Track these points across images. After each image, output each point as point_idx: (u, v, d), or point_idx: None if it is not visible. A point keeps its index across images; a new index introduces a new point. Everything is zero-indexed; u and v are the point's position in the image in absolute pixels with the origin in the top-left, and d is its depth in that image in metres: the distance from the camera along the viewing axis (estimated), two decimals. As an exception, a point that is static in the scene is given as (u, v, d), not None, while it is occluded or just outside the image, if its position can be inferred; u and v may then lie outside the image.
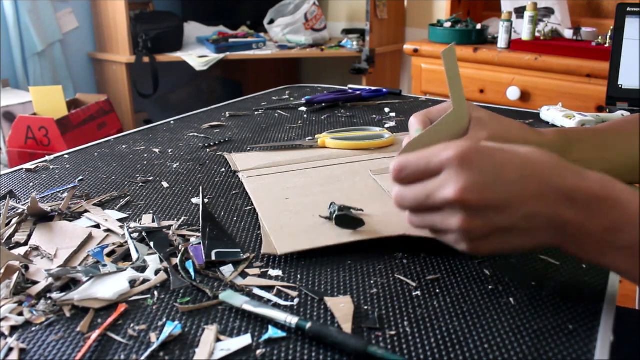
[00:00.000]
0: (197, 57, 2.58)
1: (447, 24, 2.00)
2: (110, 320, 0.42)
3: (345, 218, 0.54)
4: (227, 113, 1.00)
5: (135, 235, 0.54)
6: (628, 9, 1.29)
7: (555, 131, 0.62)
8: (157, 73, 2.66)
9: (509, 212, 0.42)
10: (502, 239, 0.43)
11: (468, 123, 0.57)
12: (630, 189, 0.43)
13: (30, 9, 2.50)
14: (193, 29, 2.89)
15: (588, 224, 0.42)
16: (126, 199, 0.64)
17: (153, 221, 0.58)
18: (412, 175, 0.45)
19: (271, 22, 2.85)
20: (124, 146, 0.83)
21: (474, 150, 0.42)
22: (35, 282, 0.46)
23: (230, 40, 2.70)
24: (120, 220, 0.58)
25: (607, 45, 1.68)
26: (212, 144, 0.83)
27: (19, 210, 0.59)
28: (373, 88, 1.13)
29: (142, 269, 0.49)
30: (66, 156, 0.79)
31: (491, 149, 0.43)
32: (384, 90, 1.13)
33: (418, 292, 0.46)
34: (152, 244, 0.53)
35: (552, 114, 0.94)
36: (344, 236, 0.53)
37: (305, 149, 0.80)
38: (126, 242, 0.53)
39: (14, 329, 0.41)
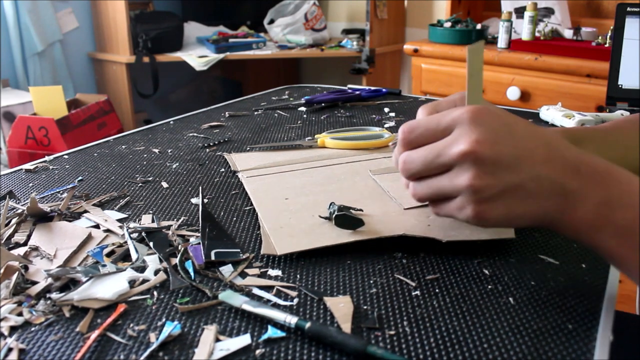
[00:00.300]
0: (197, 57, 2.58)
1: (447, 24, 2.00)
2: (109, 320, 0.42)
3: (345, 218, 0.54)
4: (226, 113, 1.00)
5: (134, 235, 0.54)
6: (628, 9, 1.29)
7: (561, 130, 0.63)
8: (157, 73, 2.66)
9: (519, 171, 0.42)
10: (508, 202, 0.43)
11: None
12: (629, 172, 0.44)
13: (30, 9, 2.51)
14: (193, 29, 2.89)
15: (588, 195, 0.43)
16: (126, 199, 0.64)
17: (152, 221, 0.58)
18: (421, 137, 0.45)
19: (271, 22, 2.85)
20: (123, 146, 0.83)
21: (484, 109, 0.43)
22: (34, 283, 0.46)
23: (230, 40, 2.70)
24: (119, 220, 0.58)
25: (607, 45, 1.68)
26: (211, 144, 0.83)
27: (19, 211, 0.59)
28: (372, 88, 1.13)
29: (141, 269, 0.49)
30: (65, 156, 0.79)
31: (501, 111, 0.45)
32: (384, 90, 1.13)
33: (417, 292, 0.46)
34: (151, 244, 0.53)
35: (552, 114, 0.94)
36: (344, 236, 0.53)
37: (305, 149, 0.80)
38: (125, 242, 0.53)
39: (13, 329, 0.41)
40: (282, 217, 0.57)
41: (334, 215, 0.55)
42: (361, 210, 0.58)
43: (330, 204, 0.58)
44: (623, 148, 0.64)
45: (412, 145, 0.46)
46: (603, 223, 0.43)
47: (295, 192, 0.64)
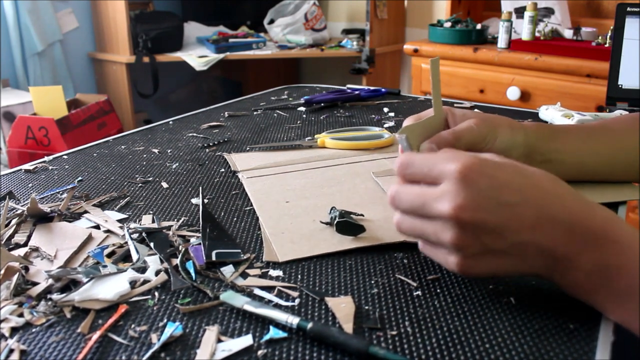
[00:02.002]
0: (197, 57, 2.58)
1: (447, 24, 2.00)
2: (111, 321, 0.42)
3: (346, 224, 0.54)
4: (225, 113, 1.00)
5: (135, 235, 0.54)
6: (628, 9, 1.29)
7: (538, 125, 0.62)
8: (157, 73, 2.66)
9: (503, 237, 0.41)
10: (493, 261, 0.42)
11: (442, 128, 0.60)
12: (634, 231, 0.41)
13: (30, 9, 2.50)
14: (193, 29, 2.89)
15: (579, 260, 0.41)
16: (126, 200, 0.63)
17: (153, 222, 0.58)
18: (414, 176, 0.45)
19: (271, 22, 2.85)
20: (122, 146, 0.83)
21: (476, 168, 0.41)
22: (35, 283, 0.46)
23: (230, 40, 2.70)
24: (120, 220, 0.58)
25: (607, 45, 1.68)
26: (211, 144, 0.83)
27: (19, 211, 0.59)
28: (372, 88, 1.13)
29: (142, 269, 0.49)
30: (65, 157, 0.79)
31: (495, 167, 0.42)
32: (383, 90, 1.13)
33: (419, 292, 0.46)
34: (152, 244, 0.52)
35: (551, 114, 0.94)
36: (345, 243, 0.53)
37: (305, 149, 0.80)
38: (126, 242, 0.53)
39: (14, 330, 0.41)
40: (283, 222, 0.57)
41: (335, 222, 0.55)
42: (362, 215, 0.58)
43: (331, 209, 0.57)
44: (611, 142, 0.63)
45: (406, 180, 0.45)
46: (598, 288, 0.41)
47: (296, 194, 0.64)
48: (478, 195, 0.40)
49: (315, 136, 0.83)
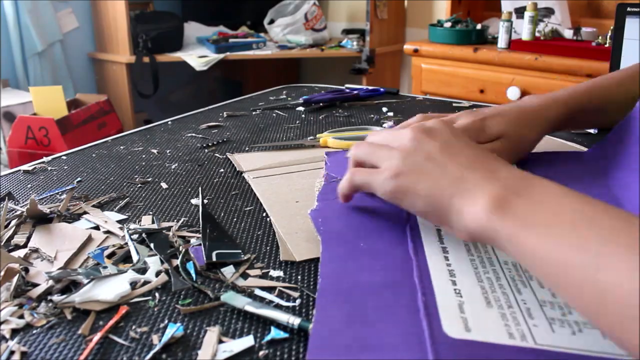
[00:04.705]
0: (197, 57, 2.58)
1: (447, 24, 2.00)
2: (111, 322, 0.41)
3: None
4: (224, 113, 1.00)
5: (135, 236, 0.54)
6: (628, 9, 1.28)
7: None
8: (157, 73, 2.66)
9: None
10: None
11: None
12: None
13: (30, 9, 2.51)
14: (193, 29, 2.89)
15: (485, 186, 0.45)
16: (125, 200, 0.63)
17: (153, 222, 0.58)
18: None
19: (271, 22, 2.85)
20: (121, 147, 0.82)
21: None
22: (35, 285, 0.46)
23: (230, 40, 2.70)
24: (119, 221, 0.58)
25: (607, 45, 1.68)
26: (210, 144, 0.83)
27: (18, 212, 0.59)
28: (370, 87, 1.13)
29: (142, 270, 0.48)
30: (64, 157, 0.79)
31: None
32: (381, 89, 1.12)
33: (420, 294, 0.46)
34: (152, 245, 0.52)
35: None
36: None
37: (308, 149, 0.80)
38: (126, 243, 0.53)
39: (14, 332, 0.41)
40: (295, 222, 0.57)
41: None
42: None
43: None
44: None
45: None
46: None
47: (305, 194, 0.64)
48: None
49: (317, 135, 0.83)
